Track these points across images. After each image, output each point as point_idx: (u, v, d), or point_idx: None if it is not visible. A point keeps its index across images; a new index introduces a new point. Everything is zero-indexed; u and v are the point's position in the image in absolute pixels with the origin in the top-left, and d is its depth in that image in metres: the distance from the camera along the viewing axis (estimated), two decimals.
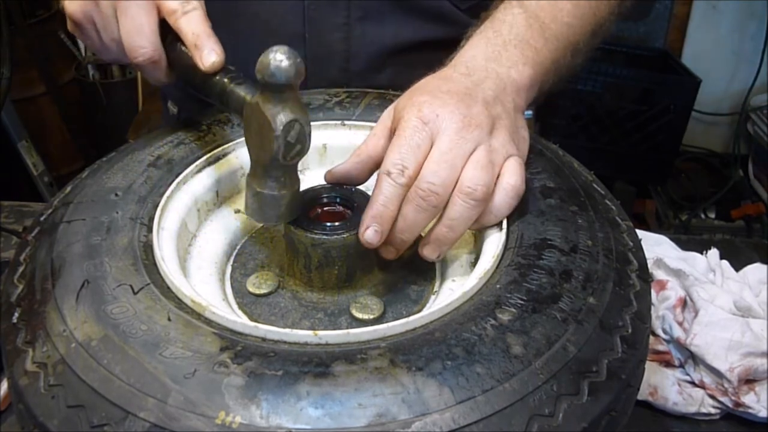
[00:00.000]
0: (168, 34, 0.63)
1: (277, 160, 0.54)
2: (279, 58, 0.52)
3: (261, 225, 0.70)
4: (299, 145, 0.55)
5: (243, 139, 0.70)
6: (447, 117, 0.58)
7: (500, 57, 0.67)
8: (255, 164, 0.58)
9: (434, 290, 0.62)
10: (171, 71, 0.66)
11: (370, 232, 0.57)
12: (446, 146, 0.57)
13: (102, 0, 0.63)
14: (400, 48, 0.92)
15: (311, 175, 0.74)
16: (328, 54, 0.90)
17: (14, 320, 0.50)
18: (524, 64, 0.67)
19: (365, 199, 0.61)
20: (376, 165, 0.63)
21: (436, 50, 0.94)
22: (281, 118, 0.53)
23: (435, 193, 0.56)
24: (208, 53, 0.60)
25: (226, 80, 0.60)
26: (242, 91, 0.59)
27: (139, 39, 0.62)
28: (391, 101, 0.76)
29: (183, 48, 0.63)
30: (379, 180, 0.57)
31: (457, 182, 0.56)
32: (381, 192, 0.56)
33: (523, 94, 0.66)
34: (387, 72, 0.93)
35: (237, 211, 0.70)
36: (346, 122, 0.74)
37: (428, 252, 0.59)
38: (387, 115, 0.63)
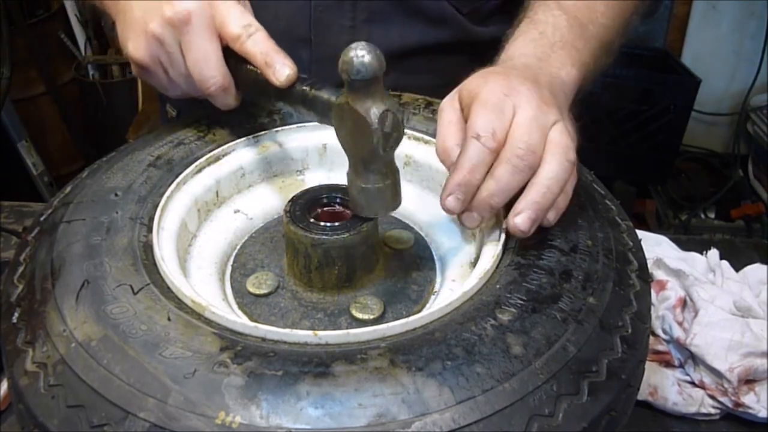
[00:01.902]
0: (230, 58, 0.64)
1: (377, 152, 0.55)
2: (361, 54, 0.53)
3: (261, 225, 0.70)
4: (395, 133, 0.55)
5: (243, 139, 0.71)
6: (526, 92, 0.57)
7: (549, 58, 0.67)
8: (354, 161, 0.58)
9: (434, 290, 0.62)
10: (239, 93, 0.67)
11: (452, 200, 0.56)
12: (532, 113, 0.56)
13: (166, 38, 0.63)
14: (404, 51, 0.92)
15: (311, 175, 0.74)
16: (334, 56, 0.90)
17: (14, 320, 0.50)
18: (572, 66, 0.68)
19: None
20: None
21: (438, 55, 0.94)
22: (375, 111, 0.54)
23: (532, 152, 0.54)
24: (281, 68, 0.61)
25: (305, 88, 0.61)
26: (326, 95, 0.59)
27: (208, 69, 0.63)
28: None
29: (250, 67, 0.63)
30: (467, 144, 0.55)
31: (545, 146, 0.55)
32: (468, 157, 0.55)
33: (570, 95, 0.67)
34: (391, 75, 0.93)
35: (237, 211, 0.70)
36: None
37: (522, 221, 0.54)
38: (450, 103, 0.62)
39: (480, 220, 0.57)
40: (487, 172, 0.55)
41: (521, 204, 0.55)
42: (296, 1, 0.89)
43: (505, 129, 0.55)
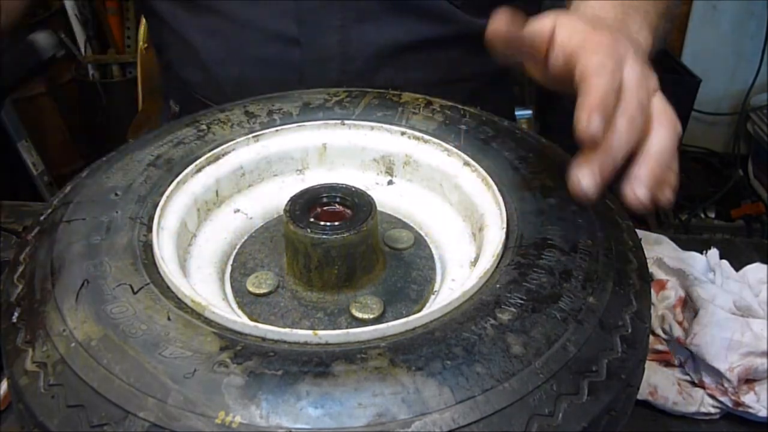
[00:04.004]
0: None
1: None
2: None
3: (261, 224, 0.70)
4: None
5: (243, 138, 0.71)
6: (632, 52, 0.55)
7: (627, 20, 0.65)
8: None
9: (434, 290, 0.62)
10: None
11: (596, 122, 0.49)
12: (640, 72, 0.54)
13: None
14: (397, 48, 0.91)
15: (311, 175, 0.74)
16: (326, 57, 0.90)
17: (14, 320, 0.50)
18: (647, 29, 0.66)
19: (365, 199, 0.61)
20: (546, 44, 0.56)
21: (434, 50, 0.93)
22: None
23: (643, 110, 0.52)
24: None
25: None
26: None
27: None
28: (391, 100, 0.76)
29: None
30: (591, 76, 0.51)
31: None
32: (601, 84, 0.50)
33: (646, 59, 0.64)
34: (385, 72, 0.93)
35: (237, 211, 0.70)
36: (345, 122, 0.74)
37: (643, 193, 0.50)
38: (542, 22, 0.57)
39: (598, 180, 0.51)
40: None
41: (639, 174, 0.50)
42: (284, 1, 0.88)
43: (620, 77, 0.53)
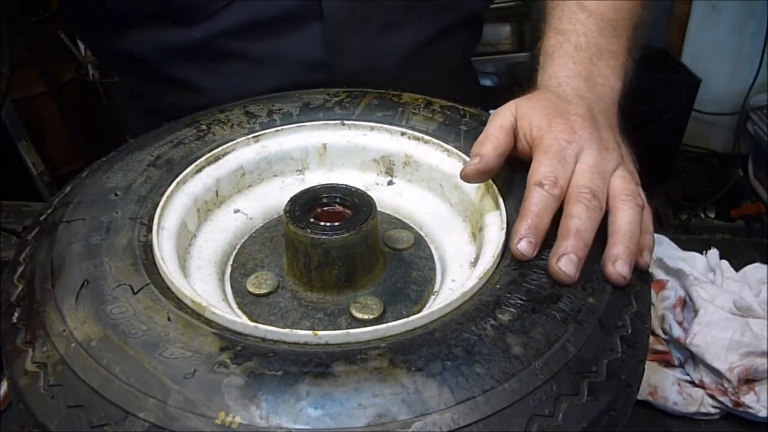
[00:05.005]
0: None
1: None
2: None
3: (261, 225, 0.70)
4: None
5: (243, 138, 0.71)
6: (587, 138, 0.59)
7: (592, 74, 0.67)
8: None
9: (434, 290, 0.62)
10: None
11: (524, 244, 0.54)
12: (593, 160, 0.58)
13: None
14: (417, 48, 0.91)
15: (311, 175, 0.74)
16: (354, 73, 0.89)
17: (14, 320, 0.50)
18: (615, 76, 0.68)
19: (365, 198, 0.61)
20: (504, 158, 0.62)
21: (447, 38, 0.94)
22: None
23: (596, 197, 0.56)
24: None
25: None
26: None
27: None
28: (391, 100, 0.76)
29: None
30: (530, 191, 0.56)
31: (608, 195, 0.57)
32: (534, 203, 0.55)
33: (617, 105, 0.68)
34: (412, 71, 0.93)
35: (237, 211, 0.70)
36: (345, 122, 0.74)
37: (621, 266, 0.52)
38: (507, 114, 0.62)
39: (578, 262, 0.52)
40: (553, 219, 0.56)
41: (615, 253, 0.53)
42: (310, 28, 0.87)
43: (568, 177, 0.57)
